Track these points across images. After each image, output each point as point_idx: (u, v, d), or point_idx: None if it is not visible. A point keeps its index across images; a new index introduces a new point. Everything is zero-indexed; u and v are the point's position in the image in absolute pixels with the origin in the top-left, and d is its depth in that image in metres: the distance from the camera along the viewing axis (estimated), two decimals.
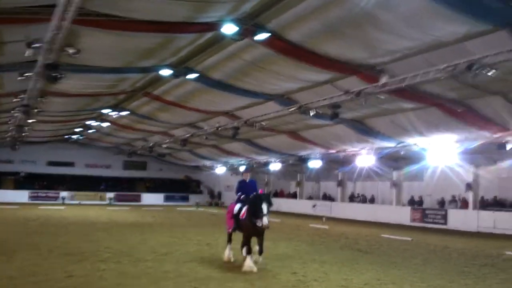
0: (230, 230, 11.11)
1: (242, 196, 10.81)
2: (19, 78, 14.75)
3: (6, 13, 10.29)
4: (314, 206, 35.13)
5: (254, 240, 10.37)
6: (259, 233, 10.11)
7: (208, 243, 14.83)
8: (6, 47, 12.73)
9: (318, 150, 27.74)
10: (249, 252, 10.05)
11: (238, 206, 10.78)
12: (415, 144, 21.90)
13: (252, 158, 34.94)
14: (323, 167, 31.38)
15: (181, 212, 33.41)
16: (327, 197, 36.70)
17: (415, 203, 28.86)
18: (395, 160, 27.89)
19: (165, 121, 25.45)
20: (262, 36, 11.83)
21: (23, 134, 30.46)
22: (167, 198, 45.70)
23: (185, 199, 46.73)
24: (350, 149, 25.52)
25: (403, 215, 27.83)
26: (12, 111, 21.40)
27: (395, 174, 29.50)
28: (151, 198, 44.57)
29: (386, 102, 15.64)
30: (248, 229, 10.17)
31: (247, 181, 11.28)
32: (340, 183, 34.25)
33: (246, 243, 10.18)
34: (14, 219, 22.16)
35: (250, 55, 13.68)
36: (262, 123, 21.31)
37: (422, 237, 19.31)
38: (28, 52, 12.00)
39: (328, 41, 12.11)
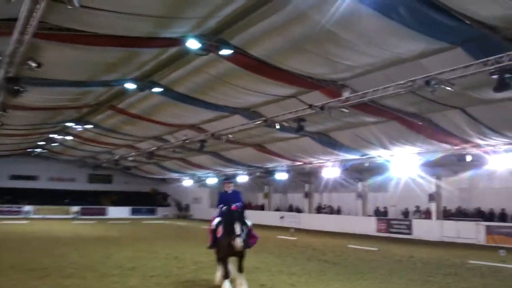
0: (208, 246, 9.94)
1: (224, 209, 9.73)
2: None
3: None
4: (282, 217, 35.30)
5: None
6: (237, 253, 9.03)
7: (176, 257, 14.68)
8: None
9: (285, 162, 28.07)
10: (226, 276, 9.07)
11: (216, 220, 9.71)
12: (378, 156, 22.50)
13: (219, 171, 34.92)
14: (290, 179, 31.71)
15: (147, 225, 32.93)
16: (294, 209, 36.98)
17: (380, 214, 29.48)
18: (359, 172, 28.53)
19: (131, 134, 25.21)
20: (226, 51, 11.99)
21: None
22: (133, 211, 44.99)
23: (152, 212, 46.12)
24: (316, 161, 25.93)
25: (369, 225, 28.36)
26: None
27: (360, 186, 30.09)
28: (117, 212, 43.75)
29: (349, 115, 16.05)
30: (224, 249, 9.09)
31: (229, 192, 10.12)
32: (307, 195, 34.63)
33: (222, 264, 9.26)
34: None
35: (214, 70, 13.82)
36: (229, 136, 21.42)
37: (388, 247, 19.70)
38: None
39: (291, 57, 12.39)
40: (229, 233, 8.73)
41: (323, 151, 22.96)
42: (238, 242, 8.49)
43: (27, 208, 40.54)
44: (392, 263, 14.50)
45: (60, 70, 13.93)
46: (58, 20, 10.26)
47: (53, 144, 32.23)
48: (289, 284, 10.33)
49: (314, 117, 16.75)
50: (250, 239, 9.38)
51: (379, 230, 27.67)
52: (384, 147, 20.23)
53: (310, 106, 15.62)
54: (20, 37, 10.37)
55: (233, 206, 9.16)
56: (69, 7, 8.47)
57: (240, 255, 9.10)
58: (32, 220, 35.86)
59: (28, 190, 42.48)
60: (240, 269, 9.20)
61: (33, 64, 12.07)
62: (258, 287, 9.86)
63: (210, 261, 13.28)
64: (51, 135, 28.19)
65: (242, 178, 34.59)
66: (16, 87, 13.73)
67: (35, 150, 36.73)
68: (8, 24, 10.17)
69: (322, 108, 15.25)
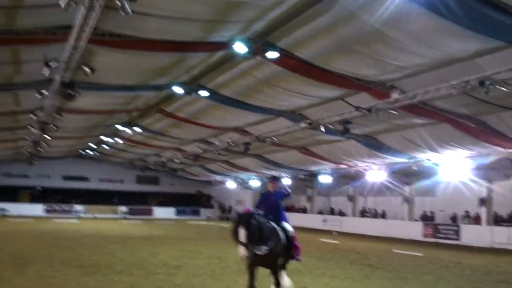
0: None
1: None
2: (36, 95, 15.08)
3: (24, 34, 10.62)
4: (325, 220, 34.95)
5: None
6: (264, 262, 7.74)
7: (219, 257, 14.86)
8: (24, 66, 13.12)
9: (329, 165, 27.74)
10: None
11: None
12: (427, 159, 21.80)
13: (262, 173, 35.01)
14: (333, 182, 31.33)
15: (191, 226, 33.49)
16: (337, 212, 36.50)
17: (427, 219, 28.56)
18: (406, 175, 27.76)
19: (177, 137, 25.71)
20: (272, 54, 11.98)
21: (40, 149, 30.96)
22: (178, 212, 45.95)
23: (196, 213, 46.88)
24: (361, 164, 25.48)
25: (415, 230, 27.55)
26: (29, 127, 21.81)
27: (407, 189, 29.29)
28: (163, 212, 44.88)
29: (397, 118, 15.65)
30: (249, 257, 7.71)
31: (272, 192, 8.77)
32: (351, 198, 34.07)
33: (248, 276, 7.86)
34: (29, 232, 22.48)
35: (261, 73, 13.85)
36: (273, 138, 21.44)
37: (434, 253, 19.11)
38: (45, 71, 12.32)
39: (338, 59, 12.23)
40: (250, 241, 7.36)
41: (369, 154, 22.52)
42: (240, 252, 7.29)
43: (78, 207, 42.30)
44: (438, 269, 14.04)
45: (112, 75, 14.43)
46: (111, 26, 10.61)
47: (104, 147, 33.38)
48: (331, 287, 10.18)
49: (361, 120, 16.47)
50: (293, 250, 8.29)
51: (425, 235, 26.84)
52: (433, 150, 19.58)
53: (357, 108, 15.38)
54: (76, 43, 10.83)
55: (245, 208, 7.89)
56: (122, 13, 8.81)
57: (268, 267, 7.85)
58: (82, 219, 37.37)
59: (79, 190, 44.44)
60: (277, 283, 7.92)
61: (87, 69, 12.53)
62: None
63: None
64: (102, 138, 29.21)
65: (286, 180, 34.52)
66: (70, 92, 14.32)
67: (87, 152, 38.19)
68: (64, 32, 10.65)
69: (369, 110, 14.97)
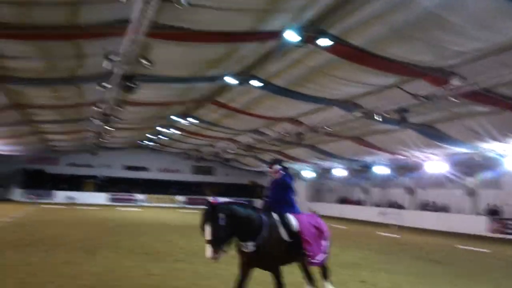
0: None
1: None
2: (98, 88, 15.86)
3: (85, 28, 11.15)
4: (382, 213, 34.15)
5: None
6: (256, 262, 6.37)
7: None
8: (86, 60, 13.80)
9: (385, 156, 27.00)
10: None
11: None
12: (491, 150, 20.67)
13: (315, 164, 34.76)
14: (390, 173, 30.50)
15: None
16: (394, 205, 35.53)
17: (493, 213, 27.11)
18: (469, 167, 26.42)
19: (231, 127, 26.09)
20: (325, 42, 11.83)
21: (102, 140, 32.59)
22: None
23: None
24: (418, 154, 24.59)
25: (479, 225, 26.23)
26: (91, 119, 22.97)
27: (469, 181, 27.93)
28: None
29: (457, 105, 14.97)
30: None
31: (276, 179, 7.21)
32: (410, 190, 33.04)
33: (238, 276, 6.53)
34: (95, 220, 23.67)
35: (313, 61, 13.72)
36: (326, 128, 21.21)
37: (502, 249, 18.12)
38: (105, 64, 12.93)
39: (394, 45, 11.86)
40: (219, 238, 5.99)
41: (428, 144, 21.66)
42: (207, 252, 5.94)
43: (139, 196, 44.19)
44: (508, 267, 13.28)
45: (169, 67, 14.85)
46: (167, 19, 10.92)
47: (161, 137, 34.53)
48: (392, 283, 9.78)
49: (418, 108, 15.92)
50: (304, 249, 6.63)
51: (491, 230, 25.47)
52: (496, 139, 18.52)
53: (414, 95, 14.86)
54: (134, 36, 11.27)
55: (212, 200, 6.32)
56: (178, 6, 9.07)
57: (264, 267, 6.51)
58: (143, 207, 38.96)
59: (139, 180, 46.32)
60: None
61: (146, 62, 13.00)
62: (359, 283, 9.54)
63: None
64: (159, 129, 30.22)
65: (340, 171, 34.07)
66: (130, 84, 14.92)
67: (146, 142, 39.68)
68: (123, 26, 11.09)
69: (427, 97, 14.43)
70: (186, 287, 8.58)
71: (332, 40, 11.75)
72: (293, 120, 22.26)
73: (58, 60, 13.71)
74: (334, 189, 41.17)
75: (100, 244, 13.82)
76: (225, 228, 6.02)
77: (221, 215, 6.05)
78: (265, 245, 6.25)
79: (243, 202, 6.84)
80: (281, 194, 7.02)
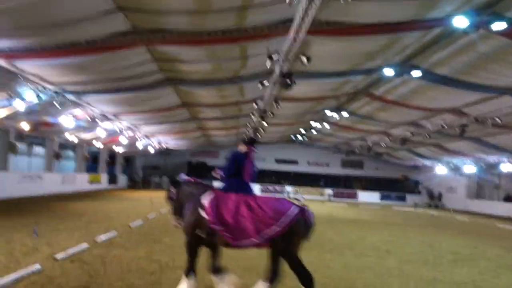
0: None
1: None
2: (259, 86, 16.90)
3: (250, 31, 11.94)
4: None
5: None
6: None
7: (430, 245, 14.18)
8: (248, 60, 14.85)
9: None
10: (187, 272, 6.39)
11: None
12: None
13: (479, 158, 31.70)
14: None
15: (398, 212, 32.66)
16: None
17: None
18: None
19: (385, 120, 25.34)
20: (499, 25, 10.78)
21: (258, 135, 34.59)
22: (382, 197, 45.27)
23: (402, 199, 45.37)
24: None
25: None
26: (250, 115, 24.56)
27: None
28: (367, 196, 44.97)
29: None
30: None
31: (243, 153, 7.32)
32: None
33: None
34: None
35: (483, 47, 12.57)
36: (496, 119, 19.23)
37: None
38: (268, 63, 13.73)
39: None
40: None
41: None
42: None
43: (288, 188, 45.77)
44: None
45: (325, 62, 15.11)
46: (327, 15, 11.16)
47: (312, 132, 35.19)
48: None
49: None
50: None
51: None
52: None
53: None
54: (295, 35, 11.75)
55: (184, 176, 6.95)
56: (341, 1, 9.20)
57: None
58: (292, 200, 40.20)
59: (289, 173, 47.96)
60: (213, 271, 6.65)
61: (304, 59, 13.43)
62: None
63: (470, 254, 12.43)
64: (311, 123, 30.85)
65: (508, 167, 30.49)
66: (288, 81, 15.57)
67: (297, 137, 40.87)
68: (285, 25, 11.66)
69: None
70: (336, 277, 8.55)
71: (508, 23, 10.66)
72: (456, 111, 20.67)
73: (224, 62, 14.99)
74: (500, 186, 37.04)
75: None
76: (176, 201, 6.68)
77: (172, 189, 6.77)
78: (188, 220, 6.33)
79: (200, 181, 6.90)
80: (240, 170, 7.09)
